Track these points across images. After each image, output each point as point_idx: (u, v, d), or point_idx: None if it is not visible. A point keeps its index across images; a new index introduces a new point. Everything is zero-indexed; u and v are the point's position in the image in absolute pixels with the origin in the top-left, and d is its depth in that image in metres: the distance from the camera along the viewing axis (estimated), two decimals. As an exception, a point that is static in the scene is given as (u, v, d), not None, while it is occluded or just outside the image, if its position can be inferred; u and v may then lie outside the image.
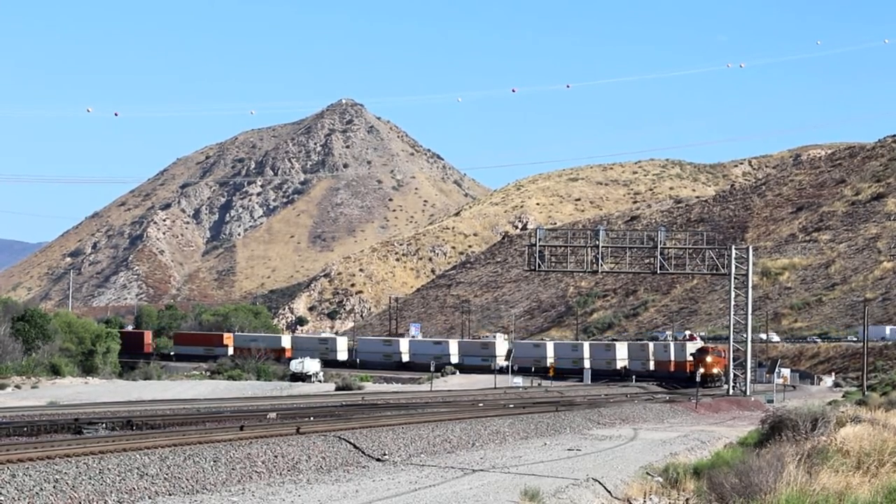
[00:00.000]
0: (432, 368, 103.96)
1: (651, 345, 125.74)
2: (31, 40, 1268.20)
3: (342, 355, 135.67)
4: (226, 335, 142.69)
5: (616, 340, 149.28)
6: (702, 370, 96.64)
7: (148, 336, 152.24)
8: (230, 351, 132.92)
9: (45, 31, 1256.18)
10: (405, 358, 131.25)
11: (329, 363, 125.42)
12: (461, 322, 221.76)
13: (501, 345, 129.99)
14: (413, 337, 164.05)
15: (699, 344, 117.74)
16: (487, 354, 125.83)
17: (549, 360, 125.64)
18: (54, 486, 22.20)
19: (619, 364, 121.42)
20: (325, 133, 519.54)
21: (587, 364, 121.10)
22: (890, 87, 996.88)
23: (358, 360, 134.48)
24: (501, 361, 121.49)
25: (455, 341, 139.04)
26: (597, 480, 27.84)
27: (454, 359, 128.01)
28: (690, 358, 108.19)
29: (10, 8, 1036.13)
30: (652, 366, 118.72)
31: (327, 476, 27.86)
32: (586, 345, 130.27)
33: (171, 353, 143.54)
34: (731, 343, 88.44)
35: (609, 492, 27.10)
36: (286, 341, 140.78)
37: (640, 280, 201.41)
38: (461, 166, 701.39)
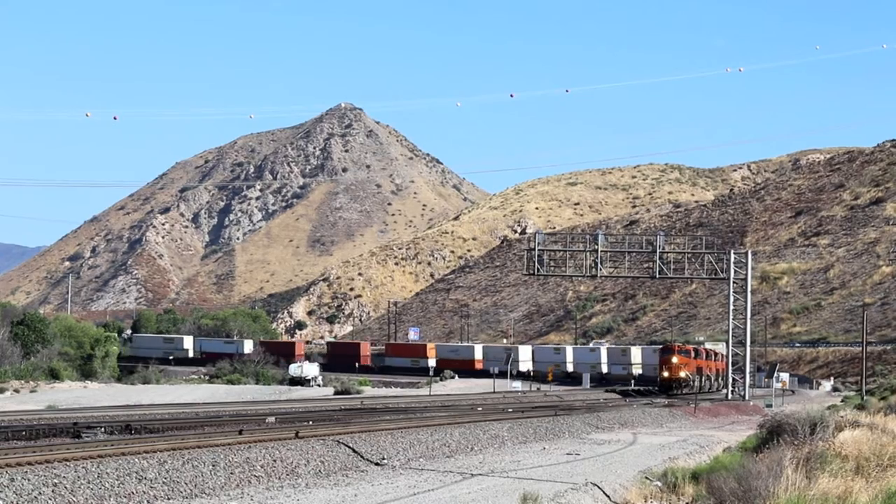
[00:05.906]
0: (588, 379, 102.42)
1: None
2: (31, 44, 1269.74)
3: (524, 365, 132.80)
4: (429, 346, 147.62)
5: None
6: (665, 374, 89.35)
7: (365, 347, 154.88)
8: (432, 362, 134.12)
9: (45, 34, 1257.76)
10: (570, 368, 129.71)
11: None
12: (460, 326, 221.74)
13: (636, 353, 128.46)
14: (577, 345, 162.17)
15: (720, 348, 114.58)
16: (626, 363, 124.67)
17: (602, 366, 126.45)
18: (53, 491, 22.18)
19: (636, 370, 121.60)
20: (324, 137, 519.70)
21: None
22: (888, 91, 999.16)
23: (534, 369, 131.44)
24: (636, 370, 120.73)
25: (604, 349, 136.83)
26: (596, 485, 27.82)
27: (604, 368, 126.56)
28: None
29: (9, 11, 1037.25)
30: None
31: (326, 480, 27.84)
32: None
33: (376, 366, 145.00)
34: (730, 347, 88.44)
35: (608, 496, 27.09)
36: (478, 352, 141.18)
37: (639, 284, 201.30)
38: (460, 171, 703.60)
